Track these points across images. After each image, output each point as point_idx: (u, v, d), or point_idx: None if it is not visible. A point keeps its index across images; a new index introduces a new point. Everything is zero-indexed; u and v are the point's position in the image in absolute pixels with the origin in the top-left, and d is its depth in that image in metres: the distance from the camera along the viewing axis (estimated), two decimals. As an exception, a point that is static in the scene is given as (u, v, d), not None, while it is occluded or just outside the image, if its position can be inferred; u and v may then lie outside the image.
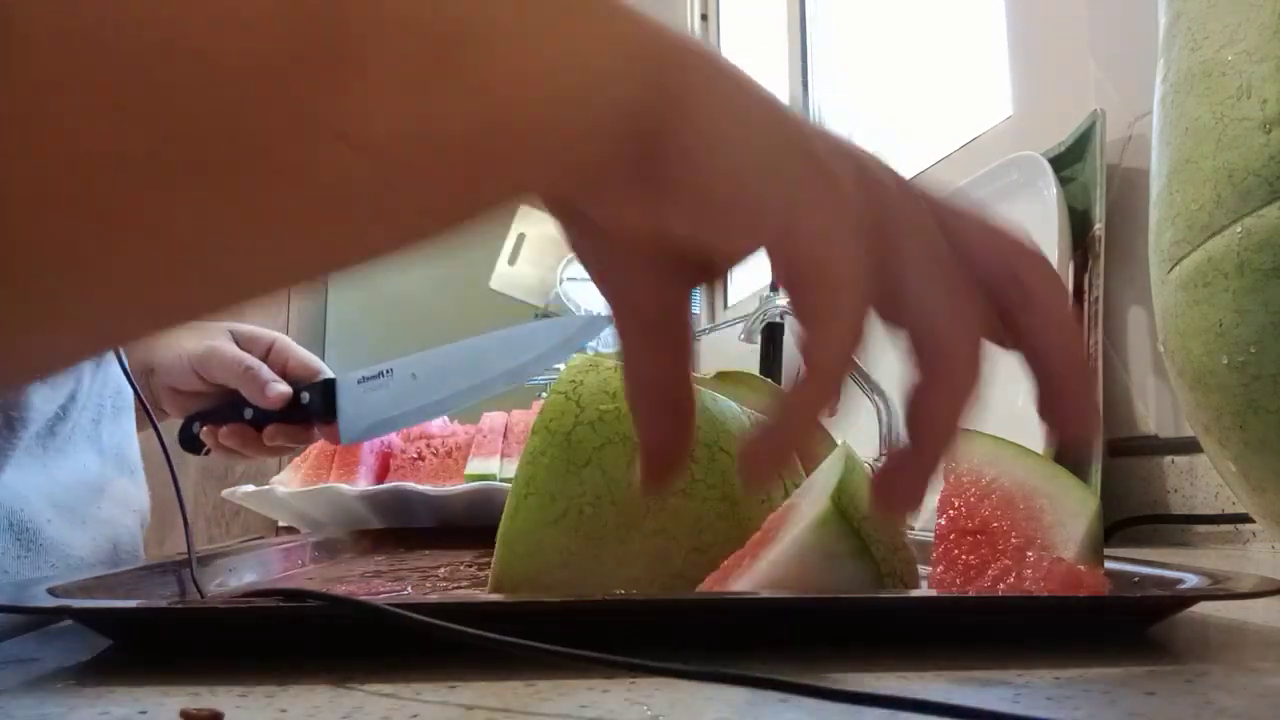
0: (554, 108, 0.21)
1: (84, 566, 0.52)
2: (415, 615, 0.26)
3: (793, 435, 0.24)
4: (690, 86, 0.23)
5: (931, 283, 0.24)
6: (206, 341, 0.70)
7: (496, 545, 0.39)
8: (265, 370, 0.70)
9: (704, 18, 2.22)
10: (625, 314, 0.27)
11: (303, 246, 0.20)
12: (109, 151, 0.17)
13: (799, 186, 0.23)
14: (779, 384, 0.96)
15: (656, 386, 0.28)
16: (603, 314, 0.55)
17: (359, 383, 0.70)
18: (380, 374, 0.71)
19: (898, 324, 0.25)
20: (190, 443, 0.71)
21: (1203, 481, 0.74)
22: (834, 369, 0.24)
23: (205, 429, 0.71)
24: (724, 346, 1.73)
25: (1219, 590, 0.32)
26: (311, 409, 0.70)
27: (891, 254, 0.24)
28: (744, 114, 0.23)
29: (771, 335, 1.20)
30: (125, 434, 0.62)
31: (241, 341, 0.72)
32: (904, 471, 0.25)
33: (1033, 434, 0.84)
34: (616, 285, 0.27)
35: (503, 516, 0.39)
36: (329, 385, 0.71)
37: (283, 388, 0.69)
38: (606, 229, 0.25)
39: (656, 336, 0.27)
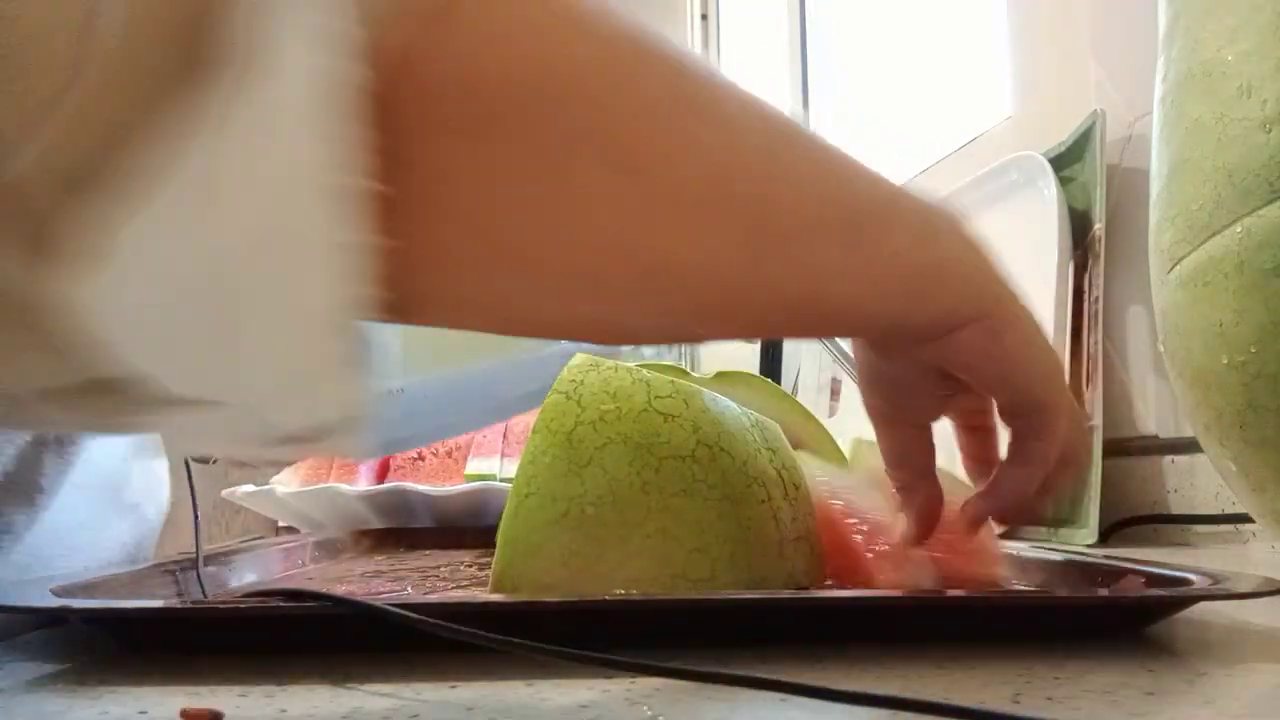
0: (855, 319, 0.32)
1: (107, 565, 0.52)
2: (415, 615, 0.26)
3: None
4: (1000, 324, 0.32)
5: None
6: None
7: (497, 545, 0.39)
8: None
9: (704, 18, 2.22)
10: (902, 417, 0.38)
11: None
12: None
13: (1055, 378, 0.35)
14: (779, 384, 0.96)
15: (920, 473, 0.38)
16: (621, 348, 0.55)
17: None
18: (389, 393, 0.68)
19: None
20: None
21: (1203, 481, 0.74)
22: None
23: None
24: (724, 347, 1.73)
25: (1219, 590, 0.32)
26: None
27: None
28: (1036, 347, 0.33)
29: (771, 335, 1.20)
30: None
31: None
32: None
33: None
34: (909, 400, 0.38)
35: (503, 516, 0.39)
36: None
37: None
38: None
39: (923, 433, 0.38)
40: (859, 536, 0.41)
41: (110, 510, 0.52)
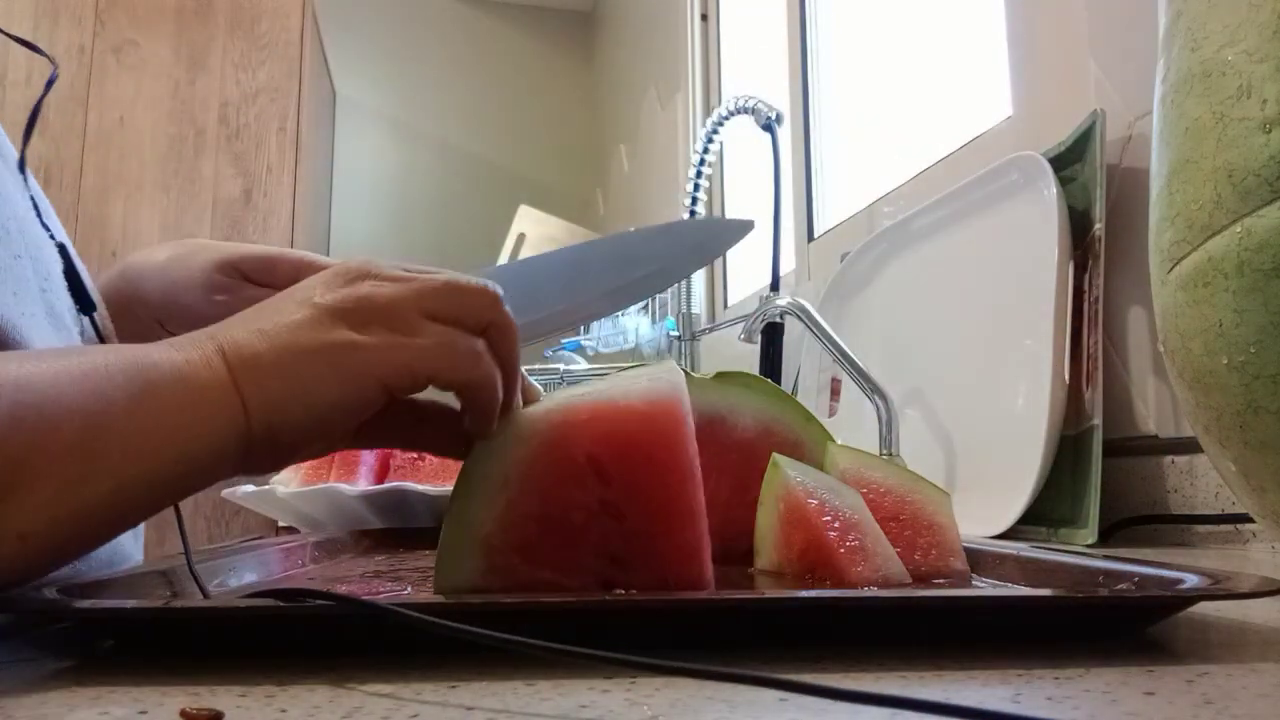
0: (175, 478, 0.33)
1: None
2: (416, 615, 0.26)
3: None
4: (263, 410, 0.34)
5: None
6: (216, 297, 0.57)
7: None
8: None
9: (704, 18, 2.22)
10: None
11: None
12: None
13: (356, 392, 0.36)
14: (779, 384, 0.96)
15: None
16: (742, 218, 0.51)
17: None
18: (502, 267, 0.61)
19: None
20: None
21: (1203, 481, 0.74)
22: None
23: None
24: (724, 347, 1.73)
25: (1220, 590, 0.32)
26: None
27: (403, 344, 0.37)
28: (306, 394, 0.34)
29: (771, 335, 1.20)
30: None
31: (255, 274, 0.58)
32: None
33: (1032, 432, 0.84)
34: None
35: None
36: None
37: None
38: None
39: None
40: (833, 533, 0.43)
41: None
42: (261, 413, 0.34)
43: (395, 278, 0.38)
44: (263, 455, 0.35)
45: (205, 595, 0.40)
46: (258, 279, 0.58)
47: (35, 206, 0.51)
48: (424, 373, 0.36)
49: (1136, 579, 0.36)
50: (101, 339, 0.52)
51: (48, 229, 0.51)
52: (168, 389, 0.32)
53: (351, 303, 0.36)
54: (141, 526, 0.61)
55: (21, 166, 0.52)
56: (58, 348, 0.36)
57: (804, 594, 0.34)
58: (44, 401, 0.30)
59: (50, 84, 0.51)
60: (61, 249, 0.51)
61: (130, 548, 0.58)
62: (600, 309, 0.56)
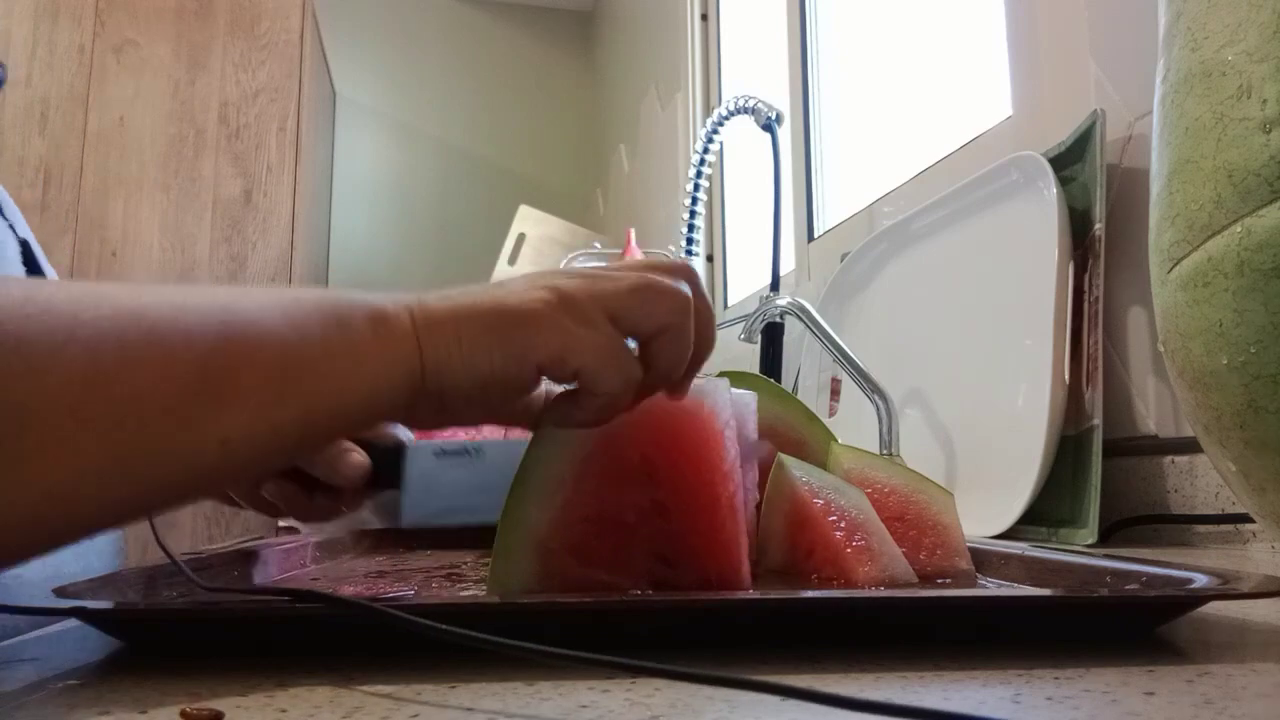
0: (354, 414, 0.35)
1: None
2: (418, 619, 0.26)
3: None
4: (436, 368, 0.36)
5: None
6: None
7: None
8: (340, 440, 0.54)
9: (704, 18, 2.22)
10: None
11: (161, 499, 0.31)
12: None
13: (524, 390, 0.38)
14: (779, 383, 0.96)
15: None
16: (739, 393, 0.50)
17: (435, 455, 0.58)
18: (465, 451, 0.58)
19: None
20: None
21: (1203, 481, 0.74)
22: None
23: None
24: (724, 346, 1.73)
25: (1230, 590, 0.32)
26: (374, 473, 0.53)
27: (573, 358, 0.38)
28: (471, 360, 0.36)
29: (771, 335, 1.20)
30: None
31: None
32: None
33: (1032, 432, 0.84)
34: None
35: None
36: (398, 449, 0.56)
37: (362, 458, 0.52)
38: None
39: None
40: (839, 533, 0.43)
41: None
42: (434, 370, 0.36)
43: (584, 274, 0.39)
44: (426, 411, 0.37)
45: (200, 586, 0.40)
46: None
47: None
48: (573, 365, 0.37)
49: (1144, 579, 0.36)
50: None
51: (11, 225, 0.51)
52: (361, 331, 0.35)
53: (538, 287, 0.38)
54: (122, 533, 0.60)
55: None
56: (264, 287, 0.38)
57: (803, 595, 0.34)
58: (250, 325, 0.32)
59: None
60: (24, 245, 0.52)
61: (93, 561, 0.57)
62: None
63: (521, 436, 0.46)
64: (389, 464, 0.56)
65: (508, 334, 0.36)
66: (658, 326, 0.38)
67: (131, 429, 0.29)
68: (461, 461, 0.58)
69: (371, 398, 0.35)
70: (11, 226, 0.51)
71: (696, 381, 0.41)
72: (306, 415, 0.33)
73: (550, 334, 0.36)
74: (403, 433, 0.59)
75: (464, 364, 0.36)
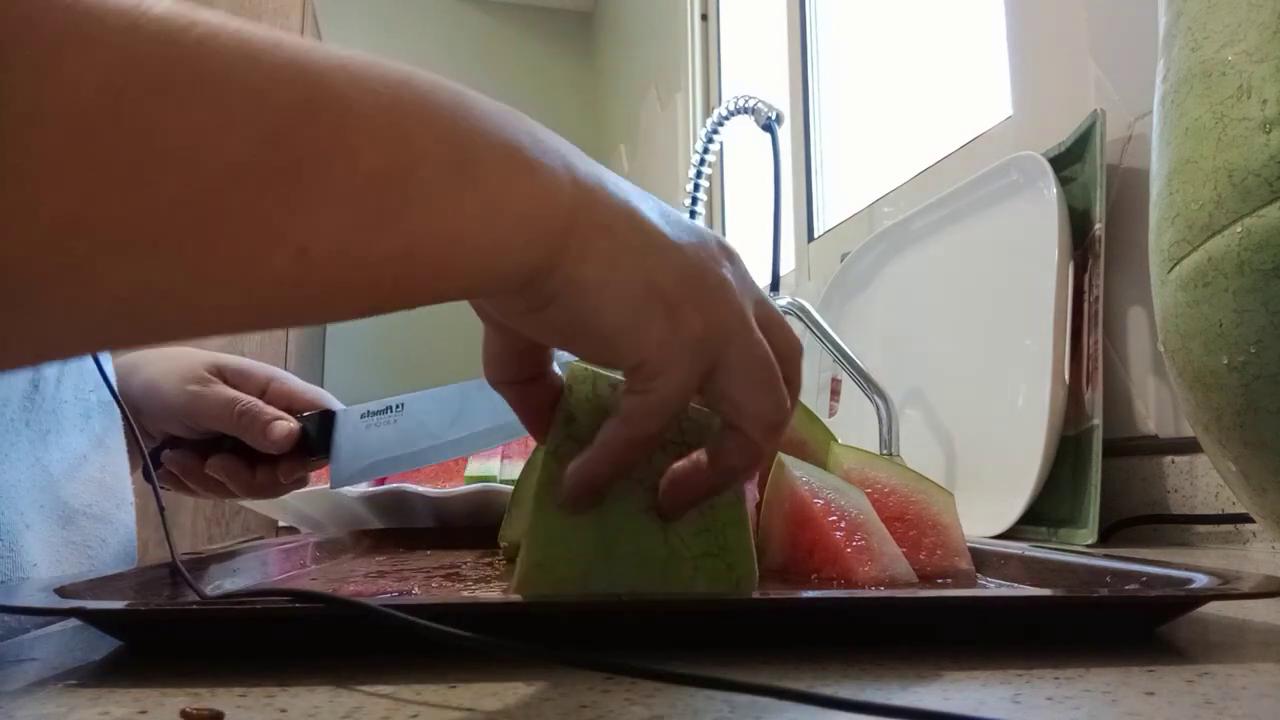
0: (466, 261, 0.27)
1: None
2: (417, 619, 0.26)
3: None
4: (573, 252, 0.29)
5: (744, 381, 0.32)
6: (189, 387, 0.62)
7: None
8: (265, 408, 0.61)
9: (704, 18, 2.22)
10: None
11: (235, 316, 0.24)
12: (80, 218, 0.20)
13: (652, 332, 0.30)
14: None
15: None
16: None
17: (362, 418, 0.61)
18: (389, 409, 0.61)
19: (714, 407, 0.33)
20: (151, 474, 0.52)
21: (1203, 481, 0.74)
22: (648, 442, 0.33)
23: (170, 454, 0.62)
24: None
25: (1229, 590, 0.32)
26: (308, 443, 0.61)
27: (718, 368, 0.32)
28: (613, 271, 0.29)
29: (772, 335, 1.20)
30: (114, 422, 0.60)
31: (231, 378, 0.64)
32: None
33: (1032, 432, 0.84)
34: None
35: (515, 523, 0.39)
36: (327, 417, 0.62)
37: (290, 424, 0.59)
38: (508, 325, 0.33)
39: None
40: (839, 533, 0.43)
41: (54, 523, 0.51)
42: (575, 258, 0.29)
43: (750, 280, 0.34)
44: (527, 309, 0.30)
45: (199, 595, 0.40)
46: (232, 382, 0.64)
47: None
48: (734, 375, 0.31)
49: (1144, 579, 0.36)
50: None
51: None
52: (500, 168, 0.27)
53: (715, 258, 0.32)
54: (134, 532, 0.60)
55: None
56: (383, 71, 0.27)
57: (804, 595, 0.34)
58: (355, 119, 0.24)
59: None
60: None
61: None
62: (474, 445, 0.61)
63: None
64: (320, 433, 0.61)
65: (647, 301, 0.30)
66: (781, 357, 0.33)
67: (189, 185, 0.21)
68: (386, 418, 0.61)
69: (493, 251, 0.27)
70: None
71: None
72: (408, 256, 0.25)
73: (729, 315, 0.31)
74: (332, 402, 0.65)
75: (601, 279, 0.29)
